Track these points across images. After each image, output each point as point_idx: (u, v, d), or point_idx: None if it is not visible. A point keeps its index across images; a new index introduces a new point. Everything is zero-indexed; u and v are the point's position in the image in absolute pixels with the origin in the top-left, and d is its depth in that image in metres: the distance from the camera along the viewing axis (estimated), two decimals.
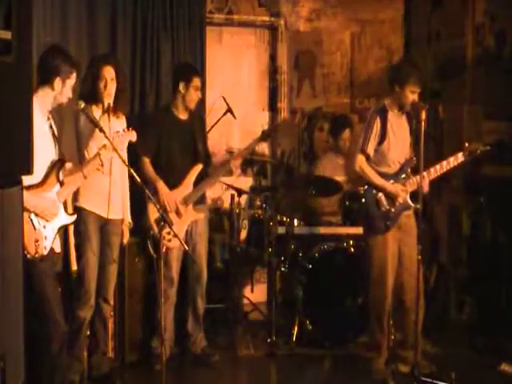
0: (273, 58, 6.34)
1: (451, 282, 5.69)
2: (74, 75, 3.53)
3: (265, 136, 4.83)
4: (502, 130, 5.33)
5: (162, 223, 3.63)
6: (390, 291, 4.34)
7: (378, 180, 4.30)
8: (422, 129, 4.00)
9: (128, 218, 4.28)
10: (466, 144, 4.34)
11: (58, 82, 3.42)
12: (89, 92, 4.00)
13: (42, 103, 3.40)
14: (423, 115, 4.00)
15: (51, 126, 3.48)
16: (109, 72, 4.01)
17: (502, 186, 5.23)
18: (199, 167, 4.64)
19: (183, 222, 4.54)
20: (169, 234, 4.35)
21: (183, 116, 4.63)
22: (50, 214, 3.35)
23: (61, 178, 3.43)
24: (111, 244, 4.13)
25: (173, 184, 4.54)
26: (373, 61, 6.42)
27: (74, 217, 3.58)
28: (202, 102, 5.30)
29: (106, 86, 3.99)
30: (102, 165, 3.63)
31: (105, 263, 4.10)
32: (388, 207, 4.29)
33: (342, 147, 5.67)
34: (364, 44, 6.44)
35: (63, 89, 3.46)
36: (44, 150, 3.32)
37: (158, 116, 4.71)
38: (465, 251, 5.66)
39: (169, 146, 4.56)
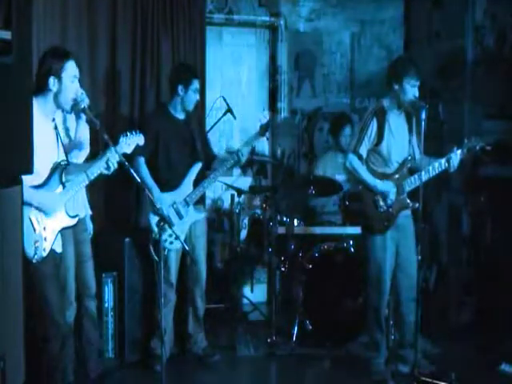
0: (273, 57, 6.35)
1: (451, 282, 5.69)
2: (69, 66, 3.43)
3: (263, 131, 4.77)
4: (502, 130, 5.34)
5: (162, 223, 3.59)
6: (387, 291, 4.34)
7: (370, 179, 4.29)
8: (422, 128, 4.00)
9: (89, 211, 4.20)
10: (465, 140, 4.33)
11: (52, 80, 3.39)
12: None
13: (44, 105, 3.38)
14: (423, 115, 4.00)
15: (56, 128, 3.46)
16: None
17: (502, 186, 5.24)
18: (198, 166, 4.62)
19: (185, 224, 4.53)
20: (170, 236, 4.35)
21: (180, 116, 4.62)
22: (51, 210, 3.33)
23: (63, 179, 3.42)
24: (84, 241, 4.09)
25: (173, 184, 4.52)
26: (373, 61, 6.43)
27: (76, 219, 3.56)
28: (201, 102, 5.32)
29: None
30: (109, 168, 3.61)
31: (83, 261, 4.06)
32: (386, 207, 4.29)
33: (343, 145, 5.67)
34: (364, 44, 6.45)
35: (61, 85, 3.40)
36: (47, 151, 3.31)
37: (155, 116, 4.66)
38: (465, 251, 5.67)
39: (167, 146, 4.54)
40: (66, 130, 3.81)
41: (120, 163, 3.57)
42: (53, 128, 3.43)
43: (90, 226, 4.24)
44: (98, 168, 3.57)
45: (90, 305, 4.16)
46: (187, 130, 4.63)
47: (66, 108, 3.48)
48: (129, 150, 3.75)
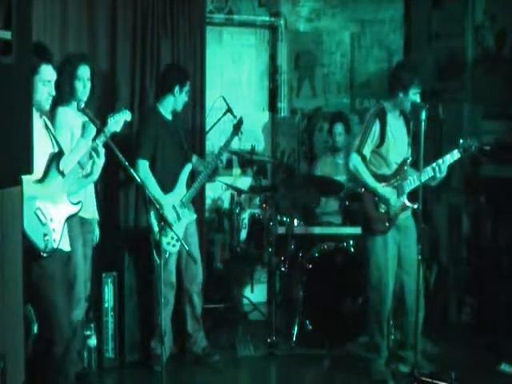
0: (273, 57, 6.35)
1: (451, 282, 5.69)
2: (44, 68, 3.31)
3: (236, 129, 4.82)
4: (502, 130, 5.33)
5: (163, 223, 3.58)
6: (389, 293, 4.34)
7: (371, 181, 4.30)
8: (422, 129, 4.00)
9: (97, 216, 4.23)
10: (461, 141, 4.33)
11: None
12: (66, 91, 3.94)
13: None
14: (423, 115, 4.00)
15: (46, 124, 3.45)
16: (86, 71, 4.00)
17: (502, 186, 5.23)
18: (189, 167, 4.63)
19: (182, 225, 4.53)
20: (172, 239, 4.36)
21: (169, 116, 4.64)
22: (55, 201, 3.32)
23: (61, 168, 3.41)
24: (87, 243, 4.12)
25: (169, 186, 4.52)
26: (373, 61, 6.43)
27: (79, 206, 3.55)
28: (201, 102, 5.32)
29: (83, 86, 3.98)
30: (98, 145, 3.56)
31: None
32: (386, 208, 4.29)
33: (334, 141, 5.68)
34: (364, 44, 6.44)
35: (34, 86, 3.25)
36: (41, 146, 3.29)
37: (151, 118, 4.65)
38: (465, 251, 5.67)
39: (162, 148, 4.54)
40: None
41: (107, 146, 3.52)
42: (42, 122, 3.40)
43: (96, 230, 4.26)
44: (87, 152, 3.50)
45: (85, 307, 4.17)
46: (176, 130, 4.65)
47: (39, 109, 3.37)
48: (118, 128, 3.72)
